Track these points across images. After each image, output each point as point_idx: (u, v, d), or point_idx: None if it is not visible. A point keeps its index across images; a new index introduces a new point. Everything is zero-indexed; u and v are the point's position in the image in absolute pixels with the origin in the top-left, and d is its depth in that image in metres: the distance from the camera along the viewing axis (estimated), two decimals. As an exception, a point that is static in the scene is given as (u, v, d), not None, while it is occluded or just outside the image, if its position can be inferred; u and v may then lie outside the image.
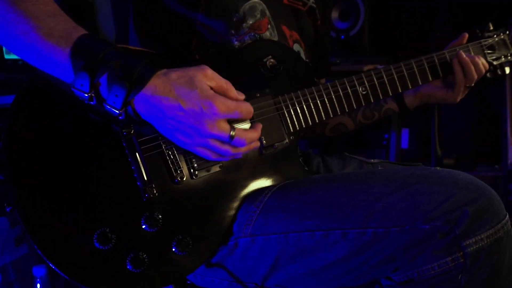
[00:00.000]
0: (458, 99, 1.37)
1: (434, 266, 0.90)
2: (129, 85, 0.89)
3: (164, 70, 0.93)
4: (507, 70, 1.49)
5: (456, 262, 0.89)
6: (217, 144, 0.95)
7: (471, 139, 3.25)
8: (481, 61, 1.34)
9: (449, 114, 2.94)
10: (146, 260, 0.94)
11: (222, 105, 0.92)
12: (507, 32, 1.49)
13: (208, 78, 0.93)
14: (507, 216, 0.93)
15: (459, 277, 0.89)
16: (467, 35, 1.41)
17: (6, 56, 1.84)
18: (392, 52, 3.20)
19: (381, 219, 0.92)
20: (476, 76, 1.34)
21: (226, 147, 0.96)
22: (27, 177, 0.91)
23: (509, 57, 1.48)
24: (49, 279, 1.88)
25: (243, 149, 0.98)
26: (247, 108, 0.96)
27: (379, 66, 1.34)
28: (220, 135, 0.92)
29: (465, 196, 0.91)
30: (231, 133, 0.93)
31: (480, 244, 0.88)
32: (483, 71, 1.35)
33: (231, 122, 0.96)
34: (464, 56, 1.32)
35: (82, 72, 0.89)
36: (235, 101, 0.95)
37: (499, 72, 1.48)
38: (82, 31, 0.93)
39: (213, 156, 0.97)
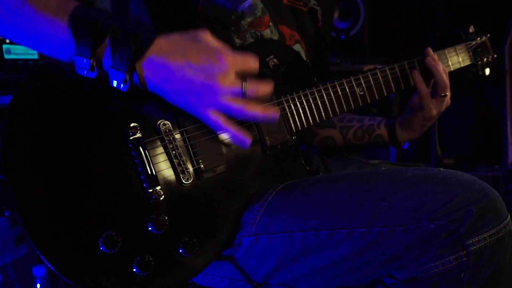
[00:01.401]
0: (435, 113, 1.34)
1: (438, 265, 0.90)
2: (134, 46, 0.86)
3: (165, 34, 0.91)
4: (487, 71, 1.55)
5: (459, 261, 0.89)
6: (230, 101, 0.91)
7: (471, 139, 3.25)
8: (441, 67, 1.33)
9: (449, 114, 2.94)
10: (152, 263, 0.93)
11: (230, 57, 0.90)
12: (488, 35, 1.55)
13: (210, 35, 0.92)
14: (509, 216, 0.94)
15: (462, 276, 0.90)
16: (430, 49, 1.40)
17: (6, 56, 1.83)
18: (392, 52, 3.20)
19: (386, 219, 0.92)
20: (442, 83, 1.32)
21: (239, 104, 0.91)
22: (28, 180, 0.89)
23: (490, 59, 1.55)
24: (49, 279, 1.88)
25: (257, 110, 0.93)
26: (253, 58, 0.94)
27: (379, 66, 1.35)
28: (233, 88, 0.90)
29: (469, 196, 0.91)
30: (244, 84, 0.90)
31: (483, 243, 0.89)
32: (444, 77, 1.33)
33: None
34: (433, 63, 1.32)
35: (83, 38, 0.86)
36: (240, 52, 0.93)
37: (480, 73, 1.54)
38: (77, 3, 0.90)
39: (223, 123, 0.93)
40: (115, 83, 0.89)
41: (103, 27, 0.87)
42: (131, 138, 0.94)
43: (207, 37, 0.91)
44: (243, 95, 0.91)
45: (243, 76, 0.93)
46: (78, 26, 0.86)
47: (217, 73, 0.88)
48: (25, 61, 1.90)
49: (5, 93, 1.54)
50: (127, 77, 0.87)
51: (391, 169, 1.27)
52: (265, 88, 0.95)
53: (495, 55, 1.56)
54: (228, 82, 0.89)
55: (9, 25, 0.90)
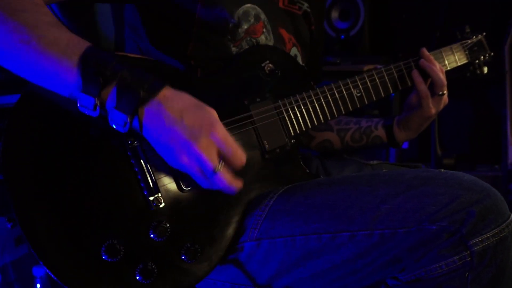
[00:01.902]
0: (433, 112, 1.35)
1: (442, 265, 0.90)
2: (143, 91, 0.87)
3: (174, 87, 0.92)
4: (485, 69, 1.57)
5: (463, 261, 0.90)
6: (198, 172, 0.90)
7: (471, 139, 3.25)
8: (438, 67, 1.34)
9: (449, 114, 2.94)
10: (155, 270, 0.92)
11: (222, 134, 0.89)
12: (484, 34, 1.56)
13: (215, 114, 0.92)
14: (511, 216, 0.94)
15: (466, 276, 0.90)
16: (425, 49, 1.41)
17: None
18: (392, 52, 3.20)
19: (387, 221, 0.92)
20: (440, 82, 1.32)
21: (204, 178, 0.91)
22: (29, 188, 0.89)
23: (487, 57, 1.56)
24: (49, 279, 1.88)
25: (218, 187, 0.92)
26: (241, 156, 0.92)
27: (378, 66, 1.35)
28: (206, 162, 0.87)
29: (470, 197, 0.91)
30: (218, 166, 0.89)
31: (486, 243, 0.89)
32: (441, 77, 1.34)
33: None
34: (427, 64, 1.33)
35: (93, 79, 0.86)
36: (235, 142, 0.92)
37: (478, 72, 1.55)
38: (88, 42, 0.90)
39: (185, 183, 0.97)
40: (114, 125, 0.88)
41: (114, 70, 0.87)
42: (130, 146, 0.94)
43: (212, 113, 0.91)
44: (211, 173, 0.89)
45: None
46: (88, 68, 0.86)
47: (201, 139, 0.87)
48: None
49: (5, 93, 1.54)
50: (129, 119, 0.87)
51: (392, 171, 1.27)
52: (234, 182, 0.92)
53: (492, 53, 1.57)
54: (206, 153, 0.88)
55: (9, 58, 0.90)
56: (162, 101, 0.88)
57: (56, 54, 0.87)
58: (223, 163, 0.90)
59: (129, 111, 0.86)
